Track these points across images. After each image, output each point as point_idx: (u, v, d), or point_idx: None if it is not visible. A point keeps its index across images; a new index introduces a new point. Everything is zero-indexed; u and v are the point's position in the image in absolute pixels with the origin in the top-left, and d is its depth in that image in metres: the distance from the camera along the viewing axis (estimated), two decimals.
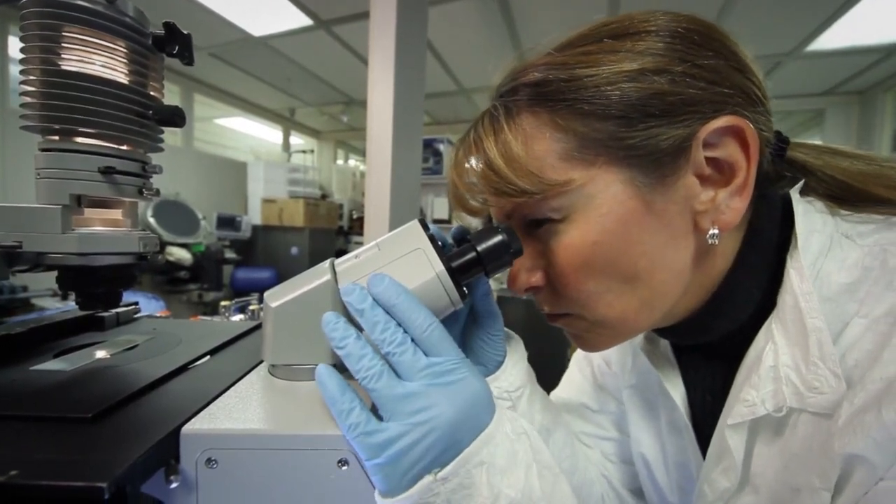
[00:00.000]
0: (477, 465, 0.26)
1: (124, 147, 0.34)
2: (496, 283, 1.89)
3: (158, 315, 1.15)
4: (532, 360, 0.44)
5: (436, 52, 2.95)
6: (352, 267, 0.33)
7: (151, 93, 0.35)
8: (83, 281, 0.35)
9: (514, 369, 0.41)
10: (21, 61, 0.32)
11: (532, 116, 0.32)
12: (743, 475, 0.33)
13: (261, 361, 0.37)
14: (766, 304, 0.33)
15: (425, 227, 0.34)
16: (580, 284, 0.32)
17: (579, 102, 0.30)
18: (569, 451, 0.46)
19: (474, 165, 0.34)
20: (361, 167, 5.16)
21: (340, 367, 0.29)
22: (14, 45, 2.51)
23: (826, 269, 0.31)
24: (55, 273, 0.35)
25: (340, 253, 0.39)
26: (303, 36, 2.81)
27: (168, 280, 3.12)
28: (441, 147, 3.25)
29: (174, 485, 0.24)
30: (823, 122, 3.75)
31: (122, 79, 0.33)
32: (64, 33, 0.31)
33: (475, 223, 0.40)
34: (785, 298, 0.31)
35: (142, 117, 0.34)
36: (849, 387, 0.27)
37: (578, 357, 0.58)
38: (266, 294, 0.33)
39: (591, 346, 0.38)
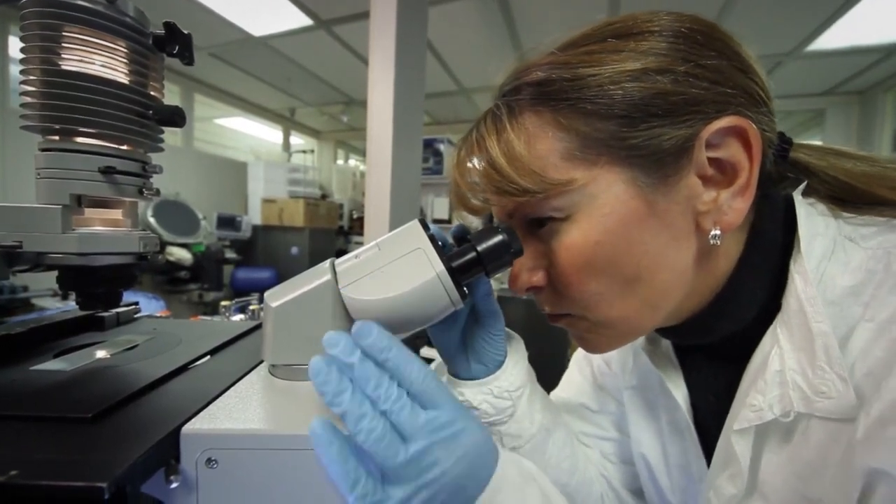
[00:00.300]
0: None
1: (124, 147, 0.34)
2: (496, 283, 1.89)
3: (158, 315, 1.15)
4: (532, 360, 0.44)
5: (436, 52, 2.95)
6: (352, 267, 0.33)
7: (152, 93, 0.35)
8: (83, 281, 0.35)
9: (515, 369, 0.41)
10: (21, 61, 0.32)
11: (535, 116, 0.32)
12: (750, 482, 0.32)
13: (261, 361, 0.37)
14: (769, 306, 0.32)
15: (425, 227, 0.34)
16: (582, 285, 0.32)
17: (582, 102, 0.30)
18: (568, 451, 0.46)
19: (476, 164, 0.34)
20: (361, 167, 5.16)
21: None
22: (14, 45, 2.51)
23: (829, 272, 0.31)
24: (55, 273, 0.35)
25: (340, 253, 0.39)
26: (303, 36, 2.81)
27: (168, 280, 3.12)
28: (441, 147, 3.25)
29: (174, 485, 0.24)
30: (824, 122, 3.74)
31: (123, 79, 0.33)
32: (64, 33, 0.31)
33: (476, 222, 0.40)
34: (789, 302, 0.31)
35: (142, 117, 0.34)
36: (863, 396, 0.27)
37: (578, 357, 0.58)
38: (266, 294, 0.33)
39: (594, 347, 0.38)
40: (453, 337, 0.42)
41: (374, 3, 1.57)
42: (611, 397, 0.52)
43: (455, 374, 0.42)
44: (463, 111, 4.26)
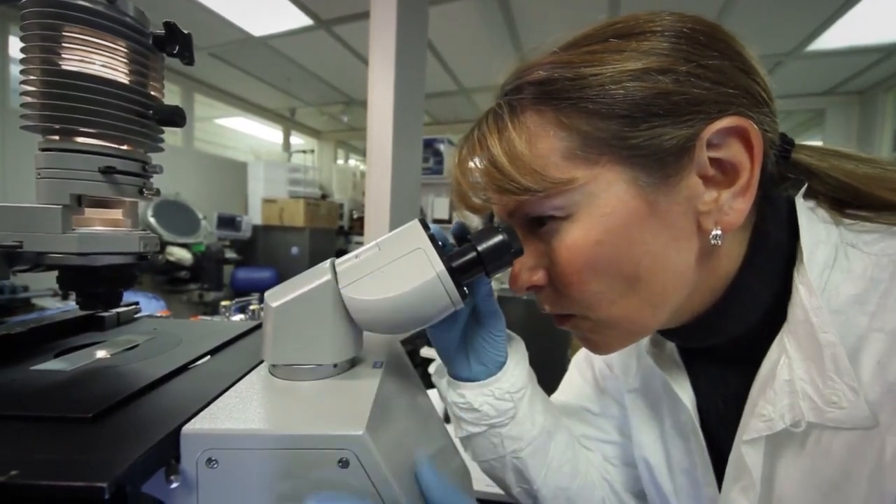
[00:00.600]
0: None
1: (125, 147, 0.34)
2: (496, 283, 1.89)
3: (159, 315, 1.15)
4: (532, 361, 0.44)
5: (436, 51, 2.95)
6: (352, 267, 0.33)
7: (152, 93, 0.35)
8: (83, 281, 0.35)
9: (516, 370, 0.41)
10: (21, 61, 0.32)
11: (536, 115, 0.32)
12: (765, 495, 0.32)
13: (261, 361, 0.37)
14: (774, 311, 0.32)
15: (426, 227, 0.34)
16: (582, 284, 0.32)
17: (584, 101, 0.30)
18: (570, 455, 0.46)
19: (478, 163, 0.34)
20: (362, 167, 5.16)
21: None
22: (14, 45, 2.51)
23: (833, 281, 0.30)
24: (55, 273, 0.35)
25: (341, 253, 0.39)
26: (303, 36, 2.81)
27: (168, 280, 3.12)
28: (441, 147, 3.25)
29: (174, 485, 0.24)
30: (824, 121, 3.74)
31: (123, 79, 0.33)
32: (64, 33, 0.31)
33: (477, 221, 0.40)
34: (795, 312, 0.30)
35: (142, 117, 0.34)
36: (886, 411, 0.27)
37: (579, 360, 0.58)
38: (266, 294, 0.33)
39: (599, 348, 0.38)
40: (453, 337, 0.41)
41: (375, 3, 1.57)
42: (613, 400, 0.52)
43: (455, 375, 0.42)
44: (463, 111, 4.26)
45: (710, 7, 2.27)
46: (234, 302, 1.17)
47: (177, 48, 0.35)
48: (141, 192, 0.35)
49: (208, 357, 0.39)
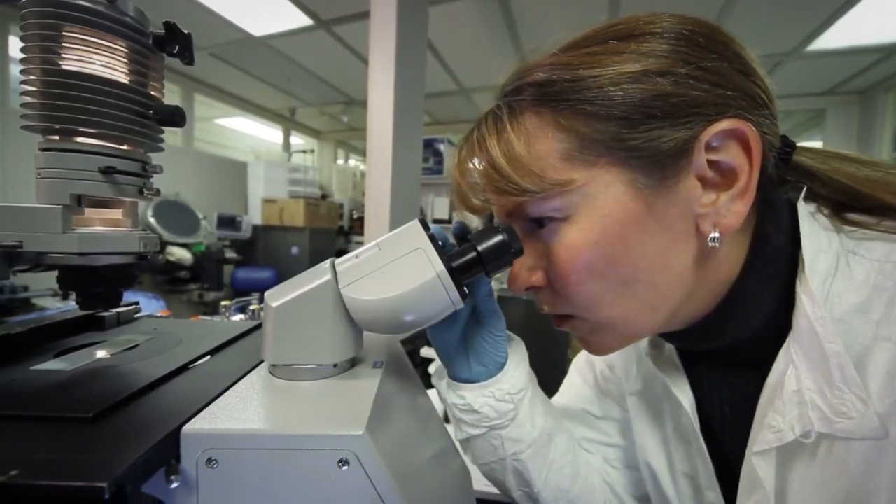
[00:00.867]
0: None
1: (125, 147, 0.34)
2: (496, 283, 1.89)
3: (159, 315, 1.15)
4: (532, 361, 0.44)
5: (436, 51, 2.95)
6: (352, 267, 0.33)
7: (152, 92, 0.35)
8: (84, 281, 0.35)
9: (517, 371, 0.41)
10: (21, 61, 0.32)
11: (535, 116, 0.32)
12: None
13: (261, 361, 0.37)
14: (780, 318, 0.32)
15: (426, 227, 0.34)
16: (580, 285, 0.32)
17: (582, 103, 0.30)
18: (570, 457, 0.46)
19: (477, 164, 0.34)
20: (362, 167, 5.16)
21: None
22: (14, 45, 2.51)
23: (835, 289, 0.30)
24: (55, 273, 0.35)
25: (341, 253, 0.39)
26: (303, 36, 2.81)
27: (168, 280, 3.12)
28: (441, 147, 3.25)
29: (175, 485, 0.24)
30: (824, 121, 3.74)
31: (123, 78, 0.33)
32: (64, 33, 0.31)
33: (477, 222, 0.40)
34: (800, 322, 0.30)
35: (142, 117, 0.34)
36: None
37: (580, 363, 0.57)
38: (266, 294, 0.33)
39: (597, 349, 0.38)
40: (453, 337, 0.41)
41: (375, 3, 1.57)
42: (614, 403, 0.52)
43: (454, 376, 0.42)
44: (463, 111, 4.26)
45: (710, 7, 2.27)
46: (234, 302, 1.17)
47: (177, 48, 0.35)
48: (141, 192, 0.35)
49: (208, 357, 0.39)
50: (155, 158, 0.37)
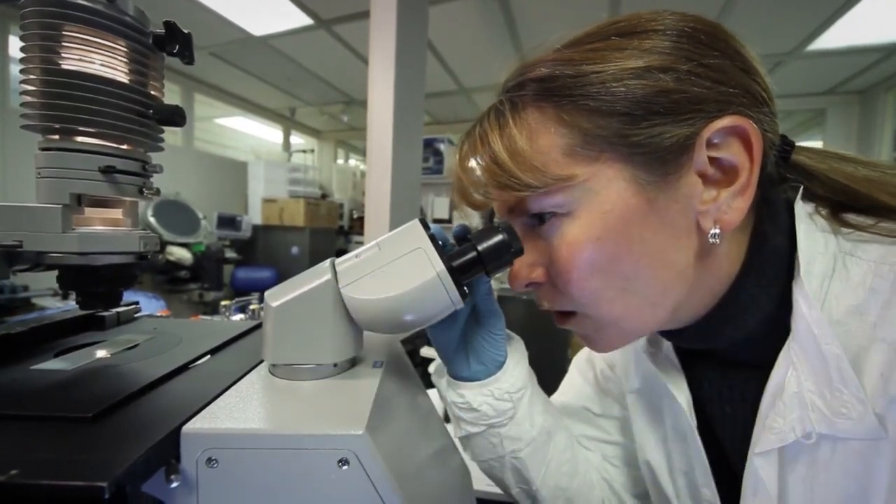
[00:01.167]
0: None
1: (125, 146, 0.34)
2: (496, 283, 1.89)
3: (159, 314, 1.15)
4: (532, 361, 0.44)
5: (436, 51, 2.95)
6: (352, 266, 0.33)
7: (152, 92, 0.35)
8: (84, 280, 0.35)
9: (516, 370, 0.41)
10: (21, 60, 0.32)
11: (537, 111, 0.32)
12: None
13: (261, 361, 0.37)
14: (778, 319, 0.32)
15: (426, 227, 0.34)
16: (582, 281, 0.32)
17: (584, 98, 0.30)
18: (569, 455, 0.46)
19: (479, 160, 0.34)
20: (362, 167, 5.16)
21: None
22: (14, 45, 2.51)
23: (832, 291, 0.30)
24: (56, 272, 0.35)
25: (341, 252, 0.39)
26: (303, 35, 2.81)
27: (168, 280, 3.12)
28: (441, 147, 3.25)
29: (175, 484, 0.24)
30: (824, 121, 3.74)
31: (123, 78, 0.33)
32: (64, 32, 0.31)
33: (477, 220, 0.40)
34: (798, 325, 0.30)
35: (142, 116, 0.34)
36: (894, 424, 0.27)
37: (579, 361, 0.58)
38: (267, 293, 0.33)
39: (600, 346, 0.38)
40: (453, 337, 0.42)
41: (375, 3, 1.57)
42: (614, 401, 0.52)
43: (454, 374, 0.42)
44: (463, 111, 4.26)
45: (711, 7, 2.27)
46: (234, 301, 1.17)
47: (177, 47, 0.35)
48: (141, 192, 0.35)
49: (208, 357, 0.39)
50: (155, 158, 0.37)
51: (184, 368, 0.36)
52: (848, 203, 0.33)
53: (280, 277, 2.95)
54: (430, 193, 3.34)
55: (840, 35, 2.53)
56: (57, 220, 0.31)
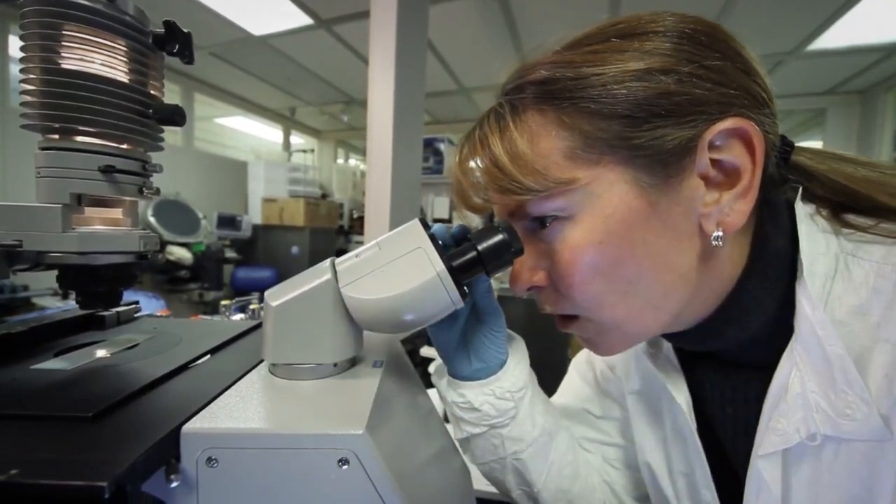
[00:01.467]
0: None
1: (124, 146, 0.34)
2: (496, 283, 1.89)
3: (159, 314, 1.15)
4: (532, 361, 0.44)
5: (436, 51, 2.95)
6: (352, 266, 0.33)
7: (152, 91, 0.35)
8: (84, 280, 0.35)
9: (517, 369, 0.41)
10: (21, 60, 0.32)
11: (538, 114, 0.32)
12: None
13: (261, 360, 0.37)
14: (781, 320, 0.32)
15: (426, 226, 0.34)
16: (584, 285, 0.32)
17: (585, 101, 0.30)
18: (570, 457, 0.46)
19: (479, 163, 0.34)
20: (362, 166, 5.16)
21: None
22: (14, 44, 2.51)
23: (835, 292, 0.30)
24: (55, 272, 0.35)
25: (341, 252, 0.39)
26: (303, 35, 2.81)
27: (168, 279, 3.12)
28: (441, 146, 3.24)
29: (175, 484, 0.24)
30: (824, 121, 3.74)
31: (123, 77, 0.33)
32: (64, 32, 0.31)
33: (477, 221, 0.40)
34: (801, 325, 0.30)
35: (142, 116, 0.34)
36: None
37: (579, 362, 0.57)
38: (267, 293, 0.33)
39: (603, 350, 0.37)
40: (454, 336, 0.41)
41: (375, 3, 1.57)
42: (614, 402, 0.52)
43: (455, 373, 0.42)
44: (463, 110, 4.26)
45: (711, 7, 2.27)
46: (234, 301, 1.17)
47: (177, 47, 0.35)
48: (141, 192, 0.35)
49: (208, 356, 0.39)
50: (155, 158, 0.37)
51: (184, 368, 0.36)
52: (848, 204, 0.33)
53: (280, 277, 2.95)
54: (430, 193, 3.34)
55: (840, 35, 2.53)
56: (57, 220, 0.31)
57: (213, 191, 3.91)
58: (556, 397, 0.57)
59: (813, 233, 0.32)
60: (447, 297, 0.32)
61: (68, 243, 0.32)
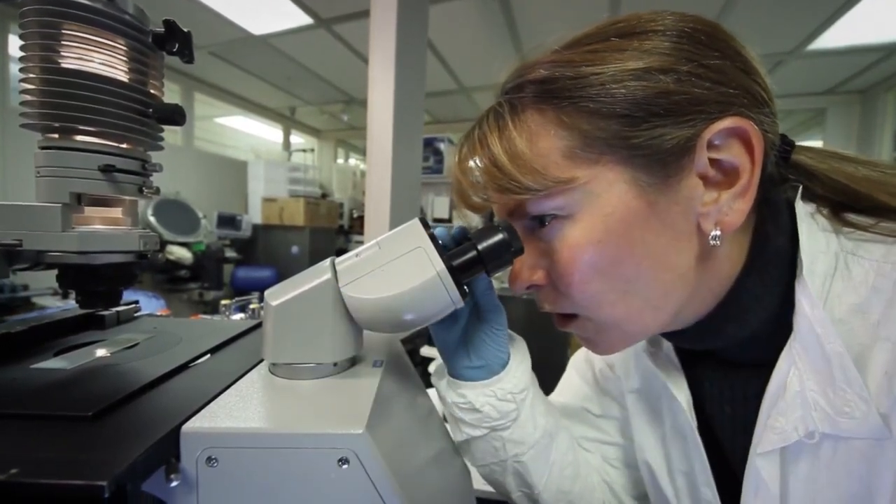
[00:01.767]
0: None
1: (124, 145, 0.34)
2: (497, 283, 1.90)
3: (159, 314, 1.15)
4: (532, 360, 0.44)
5: (436, 50, 2.95)
6: (352, 265, 0.33)
7: (151, 91, 0.35)
8: (83, 279, 0.35)
9: (519, 370, 0.41)
10: (21, 59, 0.32)
11: (537, 114, 0.32)
12: None
13: (261, 360, 0.37)
14: (780, 319, 0.32)
15: (426, 226, 0.34)
16: (583, 284, 0.32)
17: (584, 100, 0.30)
18: (571, 458, 0.46)
19: (478, 162, 0.34)
20: (362, 166, 5.16)
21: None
22: (14, 44, 2.51)
23: (835, 290, 0.30)
24: (55, 271, 0.35)
25: (341, 252, 0.39)
26: (303, 34, 2.81)
27: (168, 279, 3.12)
28: (441, 146, 3.25)
29: (174, 483, 0.24)
30: (825, 121, 3.74)
31: (122, 77, 0.33)
32: (64, 31, 0.31)
33: (477, 220, 0.40)
34: (800, 323, 0.30)
35: (142, 115, 0.34)
36: None
37: (578, 361, 0.57)
38: (267, 293, 0.33)
39: (601, 349, 0.37)
40: (454, 335, 0.41)
41: (375, 2, 1.57)
42: (614, 401, 0.51)
43: (455, 373, 0.42)
44: (463, 110, 4.25)
45: (711, 7, 2.27)
46: (234, 301, 1.17)
47: (176, 46, 0.35)
48: (141, 191, 0.35)
49: (208, 356, 0.39)
50: (155, 157, 0.37)
51: (184, 368, 0.36)
52: (848, 203, 0.33)
53: (280, 277, 2.95)
54: (430, 193, 3.34)
55: (840, 35, 2.53)
56: (57, 219, 0.31)
57: (213, 190, 3.91)
58: (554, 396, 0.57)
59: (813, 231, 0.32)
60: (447, 297, 0.32)
61: (68, 243, 0.32)
